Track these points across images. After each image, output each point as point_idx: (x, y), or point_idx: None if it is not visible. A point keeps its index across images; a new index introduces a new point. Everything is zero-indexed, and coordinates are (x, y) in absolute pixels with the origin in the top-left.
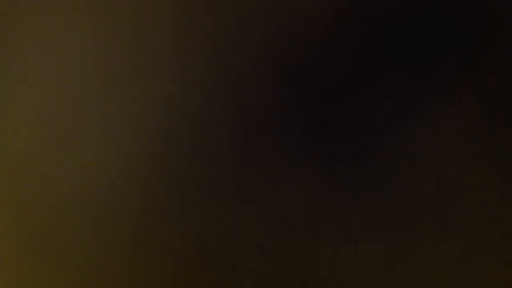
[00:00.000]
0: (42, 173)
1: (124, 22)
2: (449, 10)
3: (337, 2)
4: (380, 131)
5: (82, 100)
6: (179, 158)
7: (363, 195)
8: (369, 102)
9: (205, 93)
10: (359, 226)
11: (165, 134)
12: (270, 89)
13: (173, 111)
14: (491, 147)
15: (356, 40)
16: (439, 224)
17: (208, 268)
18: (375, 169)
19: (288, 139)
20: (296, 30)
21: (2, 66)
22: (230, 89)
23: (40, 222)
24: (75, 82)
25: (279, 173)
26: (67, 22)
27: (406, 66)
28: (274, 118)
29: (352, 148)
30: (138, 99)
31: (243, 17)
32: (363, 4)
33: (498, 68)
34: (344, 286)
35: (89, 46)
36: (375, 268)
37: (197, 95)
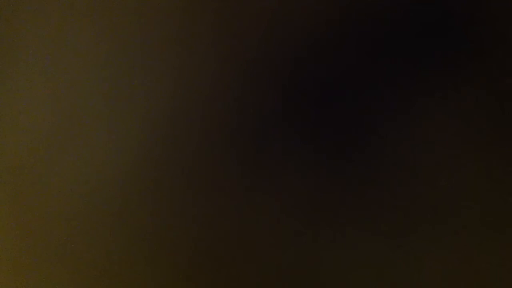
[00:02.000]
0: (47, 173)
1: (128, 23)
2: (449, 10)
3: (337, 2)
4: (381, 131)
5: (88, 100)
6: (185, 157)
7: (365, 195)
8: (370, 102)
9: (210, 92)
10: (361, 227)
11: (171, 134)
12: (271, 89)
13: (178, 111)
14: (491, 146)
15: (356, 40)
16: (440, 224)
17: (212, 268)
18: (376, 169)
19: (289, 139)
20: (296, 31)
21: (5, 66)
22: (233, 89)
23: (46, 222)
24: (80, 82)
25: (280, 173)
26: (70, 22)
27: (406, 66)
28: (275, 118)
29: (353, 148)
30: (143, 98)
31: (244, 17)
32: (363, 4)
33: (498, 67)
34: (345, 286)
35: (93, 46)
36: (376, 269)
37: (202, 94)
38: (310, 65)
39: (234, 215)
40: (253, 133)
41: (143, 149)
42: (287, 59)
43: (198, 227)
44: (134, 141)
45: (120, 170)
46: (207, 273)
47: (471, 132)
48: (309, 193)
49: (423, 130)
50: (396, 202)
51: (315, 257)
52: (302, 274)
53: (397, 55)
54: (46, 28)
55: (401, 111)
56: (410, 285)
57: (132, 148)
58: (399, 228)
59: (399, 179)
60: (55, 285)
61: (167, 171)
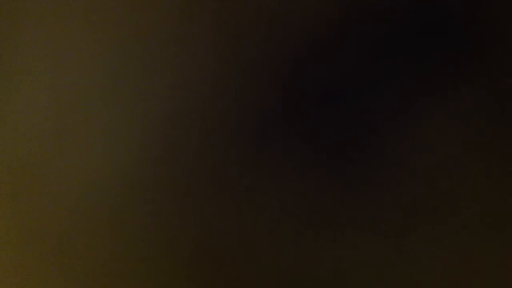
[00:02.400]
0: (47, 173)
1: (128, 23)
2: (449, 10)
3: (337, 2)
4: (381, 131)
5: (88, 101)
6: (185, 157)
7: (365, 195)
8: (370, 102)
9: (210, 92)
10: (361, 227)
11: (171, 134)
12: (271, 89)
13: (178, 111)
14: (491, 146)
15: (356, 40)
16: (440, 224)
17: (212, 268)
18: (376, 169)
19: (289, 139)
20: (296, 31)
21: (5, 66)
22: (233, 89)
23: (46, 222)
24: (80, 82)
25: (280, 173)
26: (70, 22)
27: (406, 66)
28: (275, 118)
29: (353, 148)
30: (143, 98)
31: (243, 17)
32: (363, 4)
33: (498, 67)
34: (345, 286)
35: (93, 46)
36: (376, 269)
37: (202, 94)
38: (310, 65)
39: (234, 215)
40: (253, 133)
41: (143, 149)
42: (287, 59)
43: (198, 227)
44: (134, 141)
45: (120, 170)
46: (207, 273)
47: (471, 132)
48: (309, 193)
49: (423, 130)
50: (396, 202)
51: (315, 257)
52: (302, 274)
53: (397, 55)
54: (46, 28)
55: (401, 111)
56: (410, 285)
57: (132, 148)
58: (399, 228)
59: (399, 179)
60: (55, 285)
61: (167, 171)
